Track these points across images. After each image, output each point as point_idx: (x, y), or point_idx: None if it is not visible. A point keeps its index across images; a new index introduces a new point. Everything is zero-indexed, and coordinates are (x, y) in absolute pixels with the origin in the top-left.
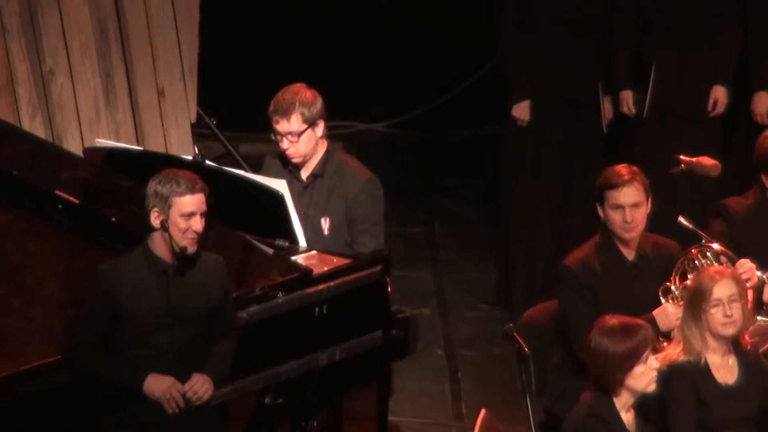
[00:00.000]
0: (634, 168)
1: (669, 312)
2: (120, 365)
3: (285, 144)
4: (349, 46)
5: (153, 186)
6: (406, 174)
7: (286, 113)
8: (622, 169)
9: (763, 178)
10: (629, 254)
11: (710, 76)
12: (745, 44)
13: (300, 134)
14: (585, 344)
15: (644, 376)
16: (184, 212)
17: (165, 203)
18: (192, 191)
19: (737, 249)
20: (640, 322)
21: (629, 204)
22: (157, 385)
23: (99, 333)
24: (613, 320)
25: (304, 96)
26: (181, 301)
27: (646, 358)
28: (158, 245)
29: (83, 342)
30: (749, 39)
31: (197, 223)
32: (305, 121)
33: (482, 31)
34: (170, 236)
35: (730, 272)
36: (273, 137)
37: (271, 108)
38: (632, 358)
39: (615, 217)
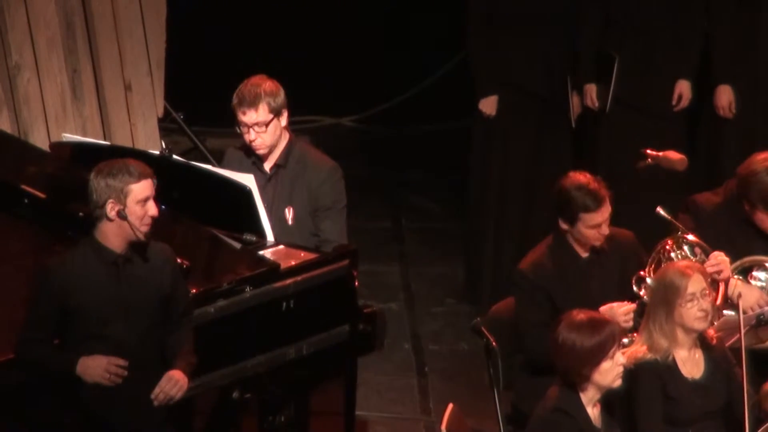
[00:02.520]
0: (597, 179)
1: (615, 309)
2: (58, 354)
3: (252, 135)
4: (316, 40)
5: (101, 180)
6: (373, 169)
7: (253, 104)
8: (592, 185)
9: (745, 204)
10: (583, 252)
11: (674, 70)
12: (708, 38)
13: (267, 124)
14: (552, 339)
15: (611, 372)
16: (140, 198)
17: (121, 193)
18: (144, 177)
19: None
20: (608, 317)
21: (605, 220)
22: (91, 365)
23: (48, 330)
24: (581, 315)
25: (268, 86)
26: (132, 290)
27: (613, 353)
28: (107, 237)
29: (31, 339)
30: (712, 33)
31: (153, 208)
32: (271, 110)
33: (450, 26)
34: (130, 225)
35: (698, 266)
36: (238, 130)
37: (236, 101)
38: (599, 354)
39: (590, 234)
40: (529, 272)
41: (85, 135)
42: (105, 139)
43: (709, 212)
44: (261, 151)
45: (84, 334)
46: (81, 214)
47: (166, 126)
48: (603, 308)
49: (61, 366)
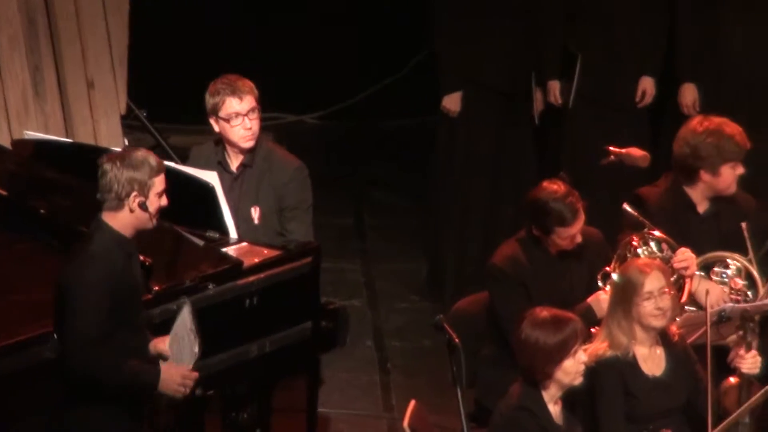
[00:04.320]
0: (571, 190)
1: (602, 299)
2: (133, 367)
3: (247, 123)
4: (278, 37)
5: (124, 172)
6: (336, 165)
7: (246, 91)
8: (568, 198)
9: (702, 174)
10: (554, 248)
11: (638, 66)
12: (672, 35)
13: (258, 111)
14: (516, 336)
15: (573, 370)
16: (159, 191)
17: (144, 186)
18: (162, 169)
19: None
20: (571, 315)
21: (579, 230)
22: (170, 381)
23: (108, 328)
24: (544, 313)
25: (247, 80)
26: (139, 278)
27: (575, 352)
28: (124, 227)
29: (95, 341)
30: (676, 30)
31: (165, 199)
32: (257, 101)
33: (414, 21)
34: (150, 216)
35: (658, 264)
36: (229, 123)
37: (227, 92)
38: (562, 352)
39: (564, 243)
40: (506, 266)
41: (47, 132)
42: (67, 137)
43: (655, 202)
44: (249, 143)
45: (118, 325)
46: (42, 212)
47: (129, 123)
48: (591, 298)
49: (147, 379)
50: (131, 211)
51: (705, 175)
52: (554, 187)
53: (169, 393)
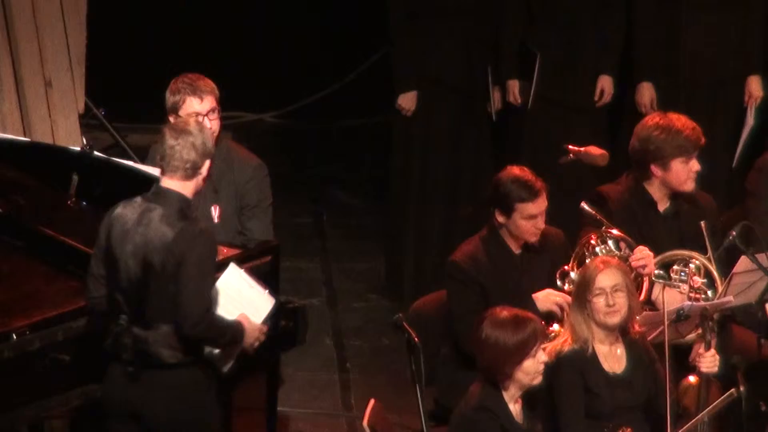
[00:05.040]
0: (532, 172)
1: (545, 293)
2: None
3: (207, 123)
4: (237, 36)
5: (199, 142)
6: (294, 164)
7: (207, 92)
8: (528, 176)
9: (654, 169)
10: (516, 247)
11: (596, 65)
12: (630, 35)
13: (218, 112)
14: (475, 335)
15: (532, 370)
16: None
17: (211, 155)
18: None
19: None
20: (531, 315)
21: (541, 212)
22: (249, 334)
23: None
24: (504, 312)
25: (208, 80)
26: None
27: (536, 352)
28: (191, 193)
29: (211, 307)
30: (634, 30)
31: None
32: (217, 101)
33: (372, 20)
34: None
35: (616, 262)
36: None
37: (186, 92)
38: (522, 352)
39: (526, 226)
40: (465, 264)
41: (4, 131)
42: (25, 136)
43: (616, 200)
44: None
45: None
46: (0, 210)
47: (87, 122)
48: (542, 293)
49: (236, 333)
50: (203, 178)
51: (656, 170)
52: (514, 169)
53: (246, 346)
